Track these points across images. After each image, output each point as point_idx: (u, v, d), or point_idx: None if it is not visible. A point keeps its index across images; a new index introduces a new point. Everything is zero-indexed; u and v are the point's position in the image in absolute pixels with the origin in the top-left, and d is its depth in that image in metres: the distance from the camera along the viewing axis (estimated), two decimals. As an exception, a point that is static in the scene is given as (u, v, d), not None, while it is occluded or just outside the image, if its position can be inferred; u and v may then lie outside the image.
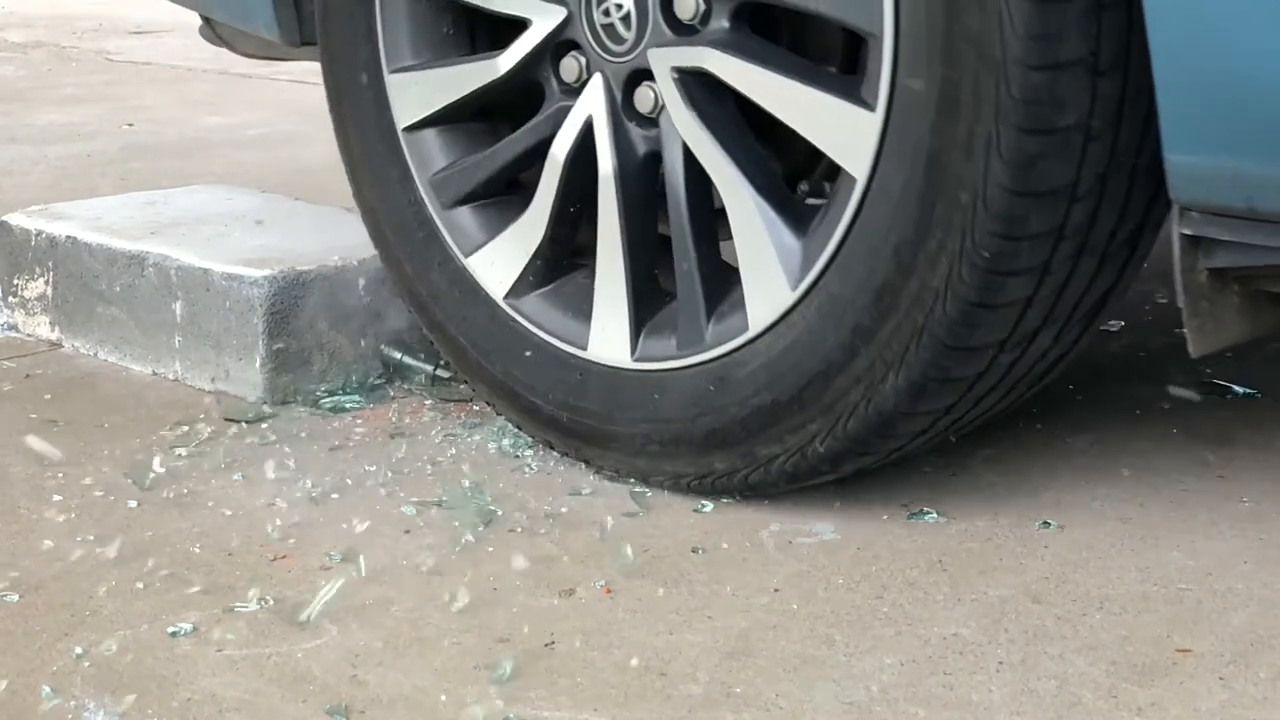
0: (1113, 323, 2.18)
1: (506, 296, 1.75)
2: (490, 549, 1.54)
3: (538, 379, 1.72)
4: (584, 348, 1.69)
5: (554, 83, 1.72)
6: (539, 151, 1.72)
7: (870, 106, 1.44)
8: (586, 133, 1.66)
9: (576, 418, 1.69)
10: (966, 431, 1.63)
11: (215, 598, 1.44)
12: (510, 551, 1.54)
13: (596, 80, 1.66)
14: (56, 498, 1.67)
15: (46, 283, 2.15)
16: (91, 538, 1.57)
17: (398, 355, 2.00)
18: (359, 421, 1.88)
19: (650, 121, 1.64)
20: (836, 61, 1.64)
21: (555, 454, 1.76)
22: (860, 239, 1.47)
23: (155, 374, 2.03)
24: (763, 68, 1.53)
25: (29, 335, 2.19)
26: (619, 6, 1.62)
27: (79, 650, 1.35)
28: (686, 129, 1.59)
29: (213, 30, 2.23)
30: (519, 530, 1.59)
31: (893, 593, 1.45)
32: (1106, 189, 1.41)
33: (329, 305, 1.96)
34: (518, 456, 1.76)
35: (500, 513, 1.62)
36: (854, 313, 1.48)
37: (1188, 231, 1.39)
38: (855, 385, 1.50)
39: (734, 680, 1.30)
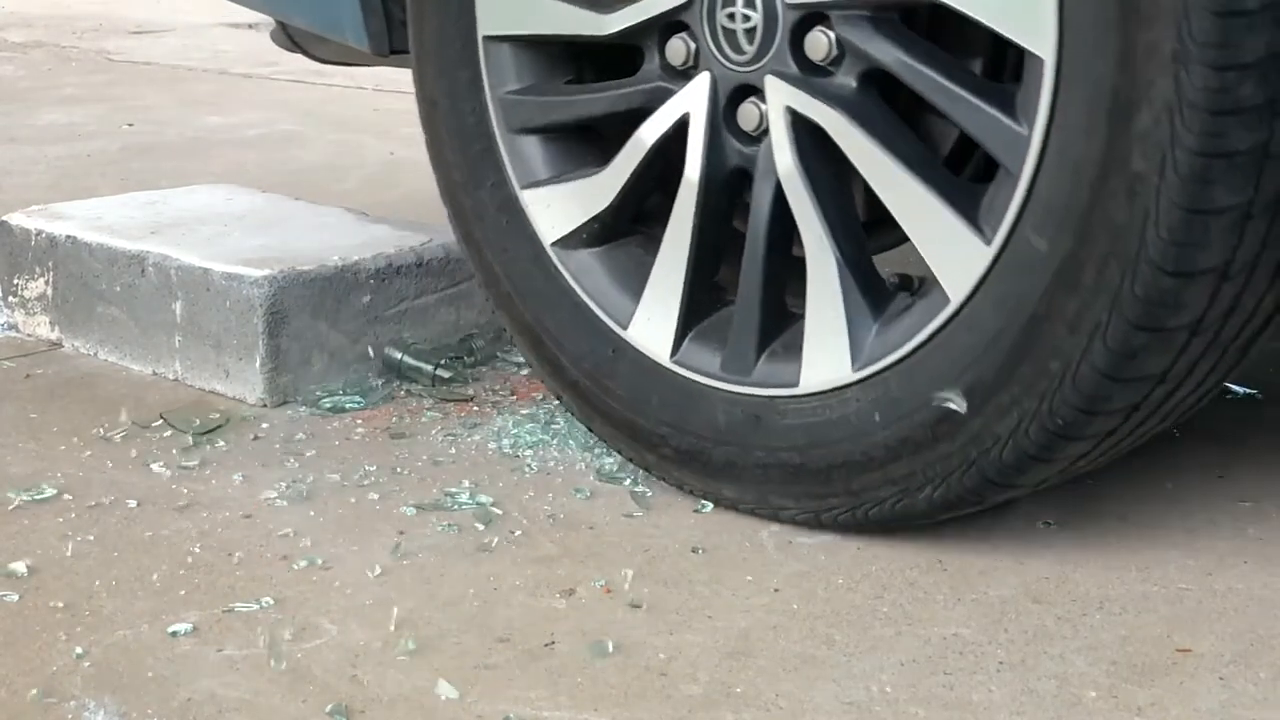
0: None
1: (555, 244, 1.70)
2: (490, 549, 1.54)
3: (568, 338, 1.68)
4: (625, 326, 1.65)
5: (656, 57, 1.63)
6: (624, 119, 1.65)
7: (986, 239, 1.39)
8: (680, 128, 1.60)
9: (600, 393, 1.67)
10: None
11: (215, 598, 1.44)
12: (510, 551, 1.54)
13: (704, 79, 1.58)
14: (56, 498, 1.67)
15: (47, 283, 2.15)
16: (91, 538, 1.57)
17: (398, 356, 2.00)
18: (359, 422, 1.88)
19: (749, 138, 1.57)
20: (963, 171, 1.59)
21: (555, 454, 1.76)
22: (935, 353, 1.43)
23: (155, 374, 2.03)
24: (884, 152, 1.46)
25: (29, 335, 2.19)
26: (746, 18, 1.54)
27: (79, 650, 1.35)
28: (786, 174, 1.52)
29: (287, 35, 2.22)
30: (519, 530, 1.59)
31: (893, 593, 1.45)
32: (1193, 372, 1.38)
33: (329, 305, 1.96)
34: (518, 457, 1.77)
35: (500, 513, 1.62)
36: (907, 426, 1.46)
37: None
38: (888, 484, 1.48)
39: (734, 680, 1.30)
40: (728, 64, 1.57)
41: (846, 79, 1.49)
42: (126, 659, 1.33)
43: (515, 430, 1.83)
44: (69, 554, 1.53)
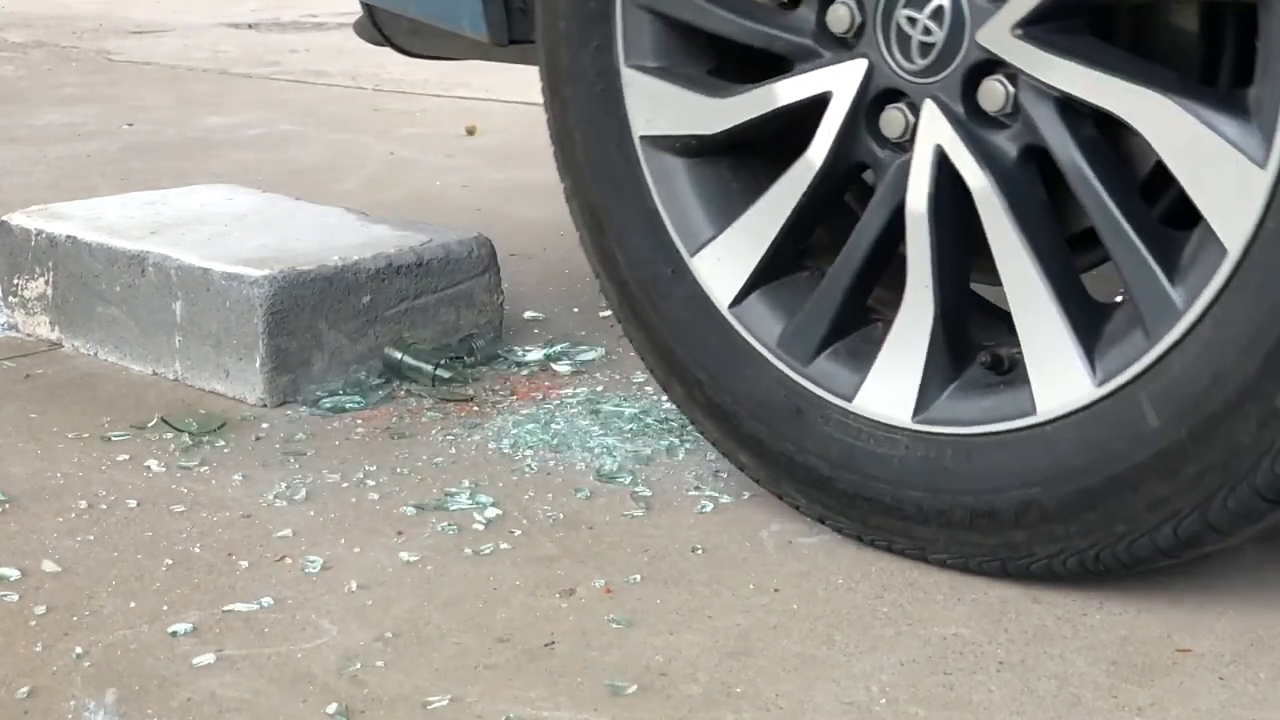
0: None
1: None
2: (490, 549, 1.54)
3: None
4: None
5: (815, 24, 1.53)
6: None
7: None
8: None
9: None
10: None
11: (215, 598, 1.44)
12: (510, 551, 1.54)
13: (859, 65, 1.48)
14: (57, 498, 1.67)
15: (47, 283, 2.15)
16: (91, 538, 1.57)
17: (399, 356, 2.00)
18: (359, 422, 1.88)
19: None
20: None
21: (555, 455, 1.76)
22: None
23: (155, 374, 2.03)
24: (1020, 236, 1.39)
25: (29, 335, 2.19)
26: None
27: (79, 650, 1.35)
28: (914, 213, 1.44)
29: (374, 26, 2.17)
30: (519, 530, 1.59)
31: (893, 593, 1.45)
32: None
33: (329, 305, 1.96)
34: (518, 457, 1.77)
35: (500, 513, 1.62)
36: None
37: None
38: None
39: (734, 680, 1.30)
40: (896, 69, 1.47)
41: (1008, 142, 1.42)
42: (126, 659, 1.33)
43: (515, 430, 1.83)
44: (69, 554, 1.53)
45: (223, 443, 1.81)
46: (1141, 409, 1.34)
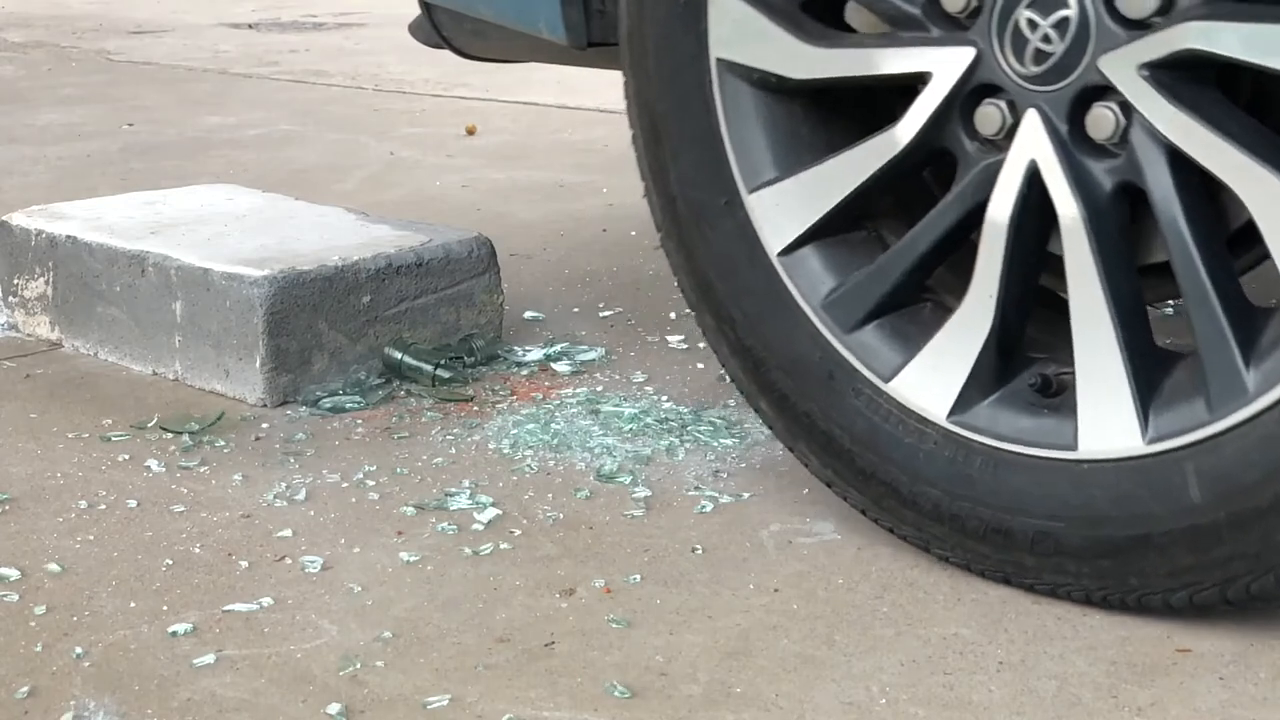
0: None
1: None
2: (490, 549, 1.54)
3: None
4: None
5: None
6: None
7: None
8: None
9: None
10: None
11: (215, 598, 1.44)
12: (510, 551, 1.54)
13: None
14: (57, 498, 1.67)
15: (47, 282, 2.15)
16: (91, 538, 1.57)
17: (399, 356, 2.00)
18: (359, 422, 1.88)
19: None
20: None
21: (555, 455, 1.76)
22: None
23: (155, 373, 2.03)
24: (1099, 271, 1.35)
25: (29, 335, 2.19)
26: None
27: (79, 650, 1.35)
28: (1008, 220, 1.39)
29: (433, 27, 2.11)
30: (519, 530, 1.59)
31: (893, 593, 1.45)
32: None
33: (329, 305, 1.96)
34: (518, 457, 1.77)
35: (500, 513, 1.62)
36: None
37: None
38: None
39: (734, 680, 1.30)
40: (1005, 66, 1.41)
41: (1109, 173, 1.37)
42: (126, 659, 1.33)
43: (515, 430, 1.83)
44: (69, 554, 1.53)
45: (223, 443, 1.81)
46: (1186, 479, 1.30)
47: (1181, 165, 1.31)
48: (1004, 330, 1.43)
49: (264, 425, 1.86)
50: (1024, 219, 1.40)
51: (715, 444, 1.79)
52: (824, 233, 1.53)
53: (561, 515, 1.62)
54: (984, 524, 1.43)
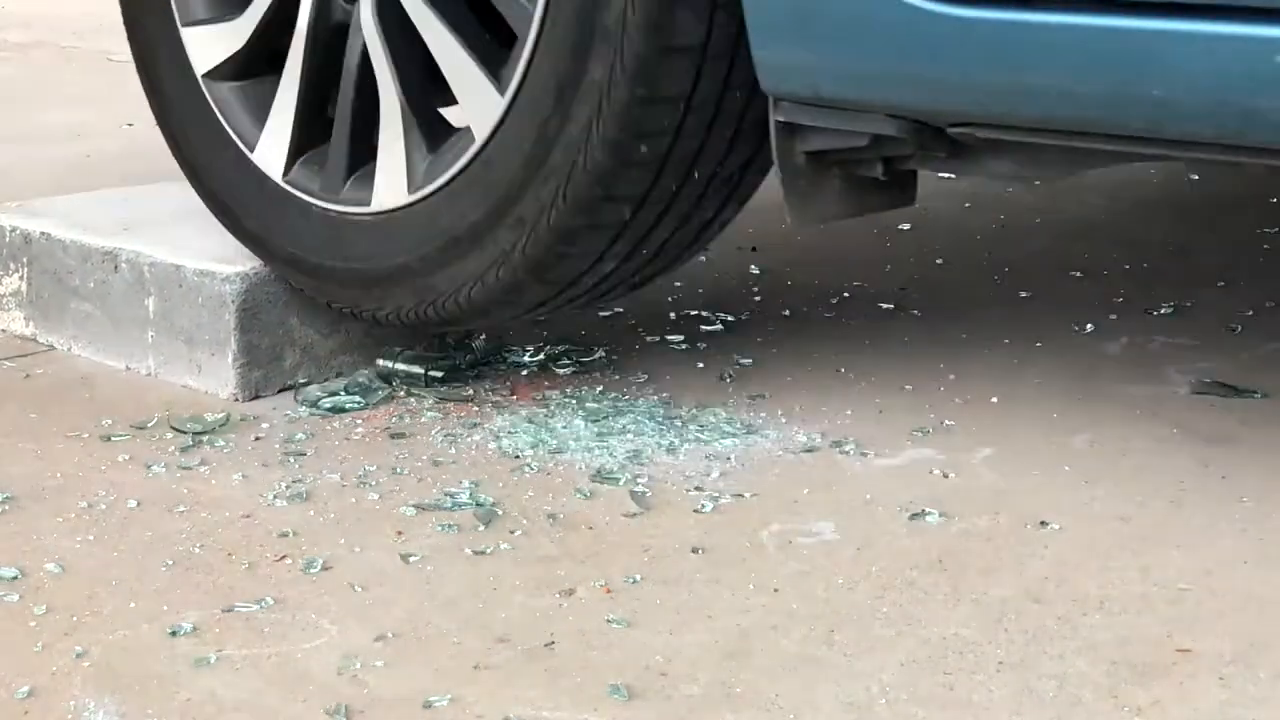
0: (1088, 325, 2.18)
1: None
2: (490, 549, 1.54)
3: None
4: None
5: None
6: None
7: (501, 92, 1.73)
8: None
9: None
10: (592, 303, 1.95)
11: (215, 598, 1.44)
12: (510, 551, 1.54)
13: None
14: (57, 498, 1.67)
15: (21, 279, 2.16)
16: (91, 538, 1.57)
17: (390, 364, 2.00)
18: (359, 422, 1.88)
19: None
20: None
21: (554, 455, 1.76)
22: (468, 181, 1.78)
23: (129, 369, 2.04)
24: (439, 19, 1.77)
25: (2, 330, 2.20)
26: None
27: (79, 650, 1.35)
28: (368, 31, 1.82)
29: None
30: (519, 530, 1.59)
31: (893, 593, 1.45)
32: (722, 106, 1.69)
33: (301, 301, 1.97)
34: (517, 457, 1.76)
35: (500, 513, 1.62)
36: (446, 240, 1.81)
37: (781, 119, 1.65)
38: (441, 286, 1.82)
39: (734, 680, 1.30)
40: None
41: None
42: (126, 659, 1.33)
43: (515, 430, 1.83)
44: (69, 554, 1.53)
45: (223, 443, 1.81)
46: (442, 216, 1.80)
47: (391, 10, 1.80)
48: (308, 112, 1.92)
49: (264, 425, 1.86)
50: (317, 29, 1.89)
51: (715, 444, 1.79)
52: (231, 62, 1.99)
53: (561, 515, 1.62)
54: (315, 264, 1.90)
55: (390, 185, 1.84)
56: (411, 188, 1.82)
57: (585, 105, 1.65)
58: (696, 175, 1.73)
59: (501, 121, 1.73)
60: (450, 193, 1.78)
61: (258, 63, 1.98)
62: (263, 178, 1.95)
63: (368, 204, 1.86)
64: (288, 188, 1.93)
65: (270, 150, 1.94)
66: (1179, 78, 1.40)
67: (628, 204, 1.72)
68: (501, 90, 1.72)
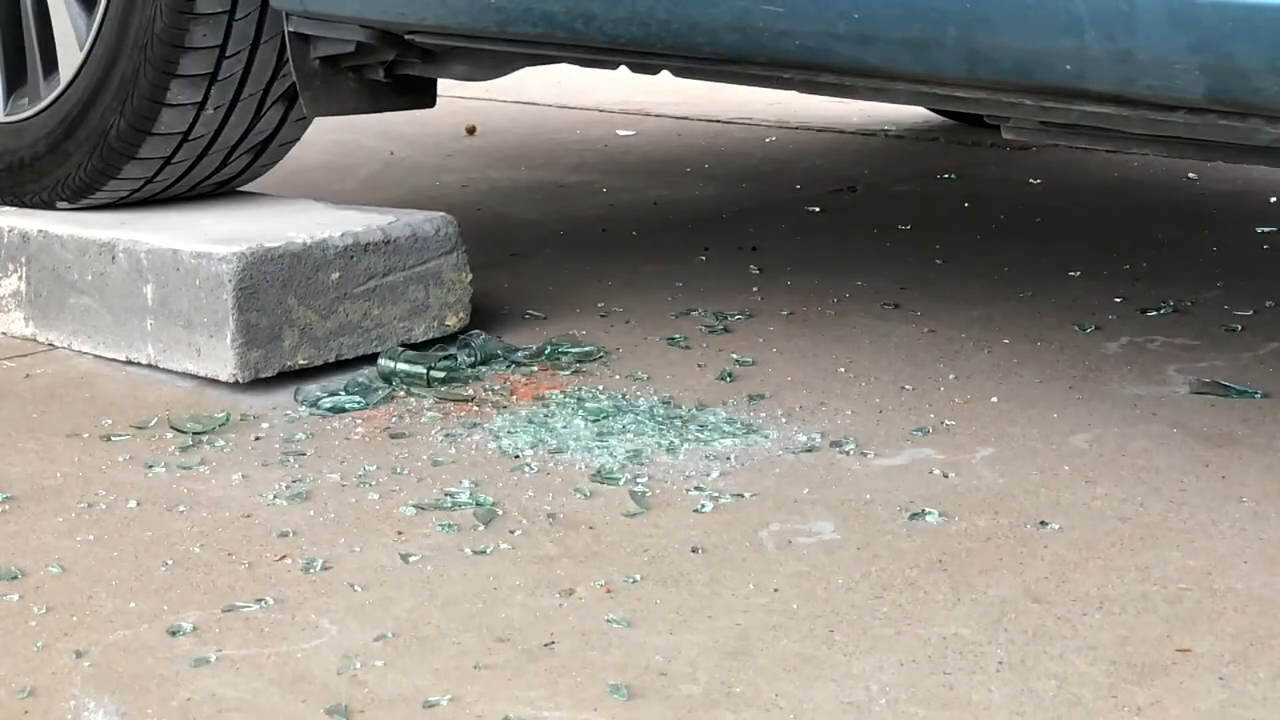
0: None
1: None
2: (490, 549, 1.54)
3: None
4: None
5: None
6: None
7: (80, 47, 2.16)
8: None
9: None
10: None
11: (215, 598, 1.44)
12: (510, 551, 1.54)
13: None
14: (57, 498, 1.67)
15: (20, 278, 2.17)
16: (91, 538, 1.57)
17: (392, 364, 2.00)
18: (359, 421, 1.88)
19: None
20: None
21: (554, 454, 1.77)
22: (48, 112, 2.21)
23: (128, 359, 2.05)
24: None
25: (3, 333, 2.19)
26: None
27: (79, 650, 1.35)
28: None
29: None
30: (519, 530, 1.59)
31: (893, 593, 1.45)
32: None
33: (298, 281, 1.98)
34: (517, 456, 1.77)
35: (500, 513, 1.62)
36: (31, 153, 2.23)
37: (291, 30, 2.04)
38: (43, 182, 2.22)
39: (734, 680, 1.30)
40: None
41: None
42: (126, 659, 1.33)
43: (515, 430, 1.83)
44: (69, 554, 1.53)
45: (223, 443, 1.81)
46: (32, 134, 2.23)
47: None
48: None
49: (264, 425, 1.87)
50: None
51: (715, 444, 1.79)
52: None
53: (561, 515, 1.62)
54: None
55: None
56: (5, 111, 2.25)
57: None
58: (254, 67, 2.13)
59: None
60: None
61: None
62: None
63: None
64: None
65: None
66: None
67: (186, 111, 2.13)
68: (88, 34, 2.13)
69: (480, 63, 2.07)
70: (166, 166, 2.17)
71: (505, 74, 2.09)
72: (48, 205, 2.23)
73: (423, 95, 2.22)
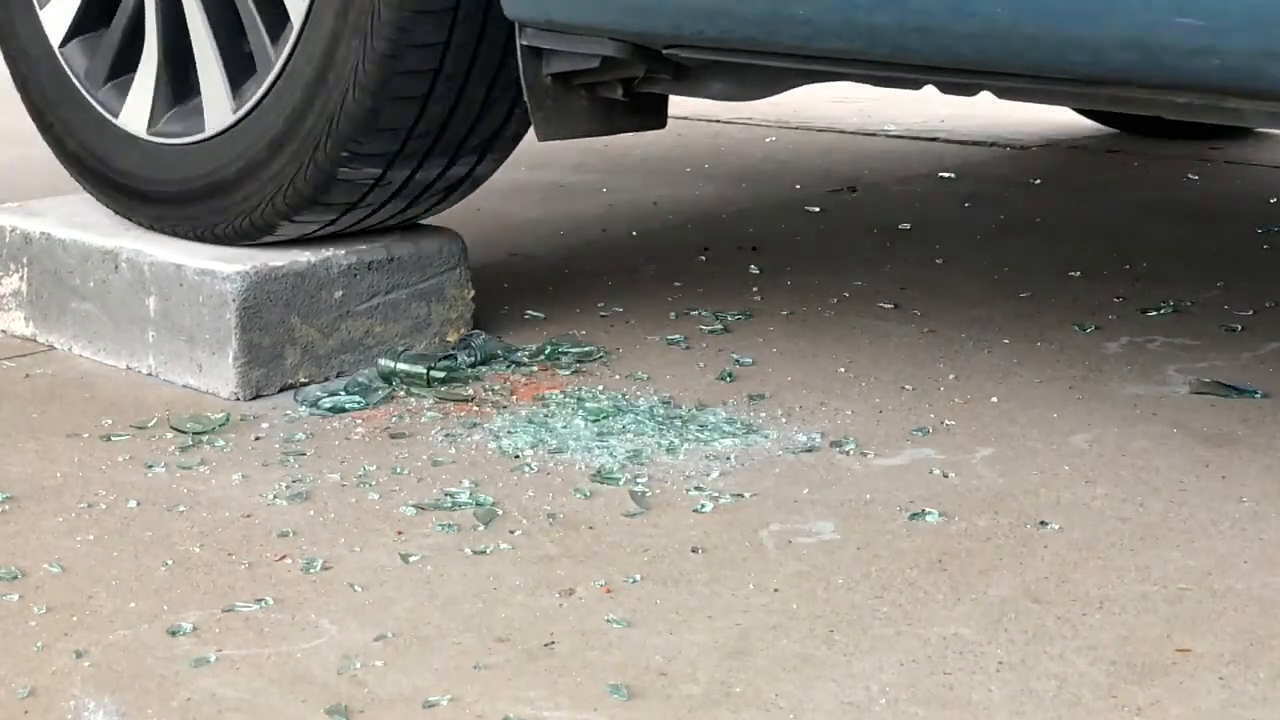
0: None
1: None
2: (490, 549, 1.54)
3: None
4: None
5: None
6: None
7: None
8: None
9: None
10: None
11: (215, 598, 1.44)
12: (510, 551, 1.54)
13: None
14: (57, 498, 1.67)
15: (21, 279, 2.17)
16: (91, 538, 1.57)
17: (392, 364, 2.00)
18: (359, 422, 1.88)
19: None
20: None
21: (554, 454, 1.77)
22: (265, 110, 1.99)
23: (129, 368, 2.04)
24: None
25: (3, 331, 2.19)
26: None
27: (79, 650, 1.35)
28: None
29: None
30: (519, 530, 1.59)
31: (893, 593, 1.45)
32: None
33: (301, 300, 1.98)
34: (517, 456, 1.77)
35: (500, 513, 1.62)
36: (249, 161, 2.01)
37: (525, 43, 1.84)
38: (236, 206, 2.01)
39: (734, 680, 1.30)
40: None
41: None
42: (126, 659, 1.33)
43: (515, 430, 1.83)
44: (69, 554, 1.53)
45: (223, 443, 1.81)
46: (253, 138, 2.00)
47: None
48: (170, 73, 2.10)
49: (264, 425, 1.87)
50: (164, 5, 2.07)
51: (715, 443, 1.79)
52: (81, 30, 2.19)
53: (561, 515, 1.62)
54: (174, 192, 2.08)
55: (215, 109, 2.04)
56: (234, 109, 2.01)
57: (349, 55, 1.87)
58: (475, 72, 1.91)
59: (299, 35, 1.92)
60: (263, 107, 1.98)
61: (98, 20, 2.18)
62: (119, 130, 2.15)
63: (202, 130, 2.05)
64: (152, 139, 2.11)
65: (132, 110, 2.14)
66: None
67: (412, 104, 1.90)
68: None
69: (744, 80, 1.85)
70: (388, 170, 1.98)
71: (770, 95, 1.86)
72: (248, 235, 2.03)
73: (656, 115, 2.01)
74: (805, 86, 1.88)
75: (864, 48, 1.62)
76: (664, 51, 1.79)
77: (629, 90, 1.91)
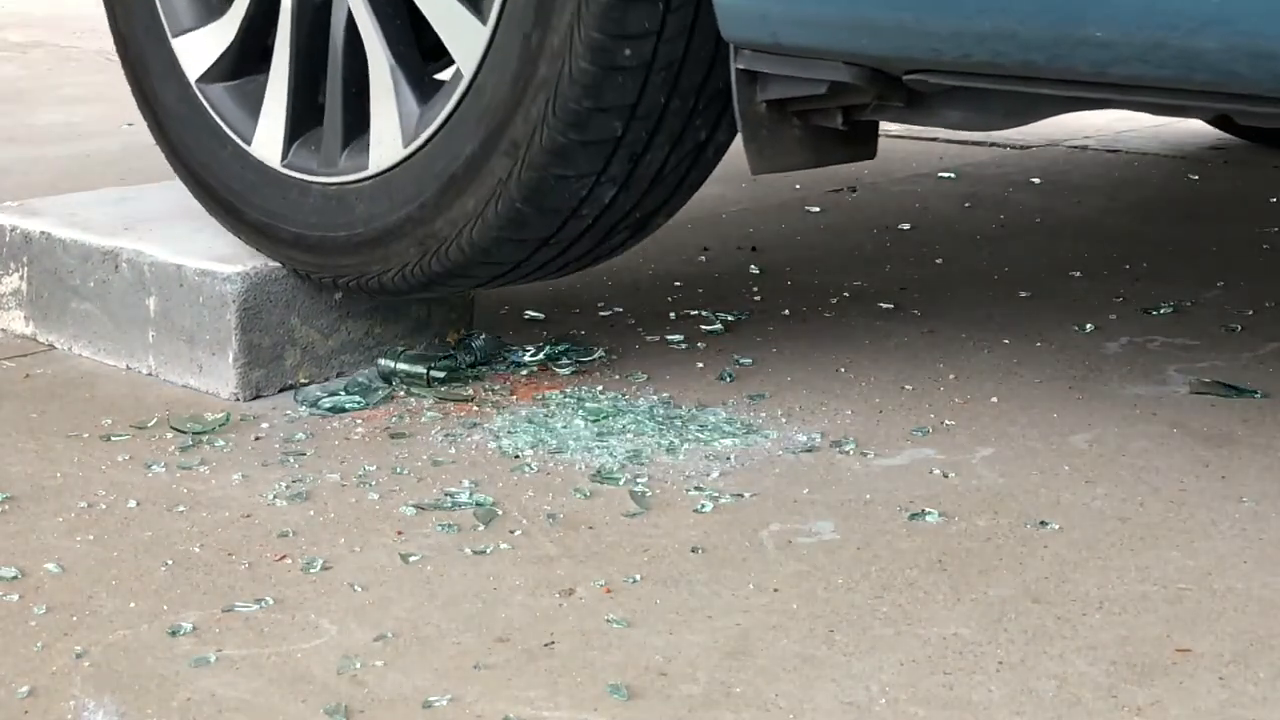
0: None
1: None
2: (490, 549, 1.54)
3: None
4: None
5: None
6: None
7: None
8: None
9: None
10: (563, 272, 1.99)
11: (215, 598, 1.44)
12: (510, 551, 1.54)
13: None
14: (57, 498, 1.67)
15: (21, 278, 2.17)
16: (91, 538, 1.57)
17: (392, 364, 2.00)
18: (359, 422, 1.88)
19: None
20: None
21: (554, 454, 1.77)
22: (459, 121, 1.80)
23: (129, 368, 2.04)
24: None
25: (2, 329, 2.20)
26: None
27: (79, 650, 1.35)
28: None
29: None
30: (519, 530, 1.59)
31: (893, 593, 1.45)
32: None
33: (301, 301, 1.98)
34: (517, 456, 1.77)
35: (500, 513, 1.62)
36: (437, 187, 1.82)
37: (741, 66, 1.67)
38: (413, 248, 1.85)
39: (734, 680, 1.30)
40: None
41: None
42: (126, 659, 1.33)
43: (515, 430, 1.83)
44: (69, 554, 1.53)
45: (223, 443, 1.81)
46: (437, 160, 1.82)
47: None
48: (300, 98, 1.97)
49: (264, 425, 1.87)
50: (302, 9, 1.94)
51: (715, 444, 1.79)
52: (222, 63, 2.05)
53: (561, 515, 1.62)
54: (319, 238, 1.92)
55: (385, 143, 1.87)
56: (405, 141, 1.84)
57: (565, 12, 1.65)
58: (683, 83, 1.71)
59: (487, 48, 1.73)
60: (444, 134, 1.80)
61: (247, 60, 2.03)
62: (262, 167, 1.99)
63: (366, 168, 1.89)
64: (287, 171, 1.96)
65: (267, 139, 1.99)
66: (1118, 18, 1.41)
67: (617, 115, 1.70)
68: (484, 19, 1.73)
69: (988, 109, 1.67)
70: (594, 188, 1.80)
71: (1015, 125, 1.70)
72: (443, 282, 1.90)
73: (867, 144, 1.84)
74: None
75: (1176, 75, 1.41)
76: (905, 77, 1.61)
77: (848, 118, 1.74)
